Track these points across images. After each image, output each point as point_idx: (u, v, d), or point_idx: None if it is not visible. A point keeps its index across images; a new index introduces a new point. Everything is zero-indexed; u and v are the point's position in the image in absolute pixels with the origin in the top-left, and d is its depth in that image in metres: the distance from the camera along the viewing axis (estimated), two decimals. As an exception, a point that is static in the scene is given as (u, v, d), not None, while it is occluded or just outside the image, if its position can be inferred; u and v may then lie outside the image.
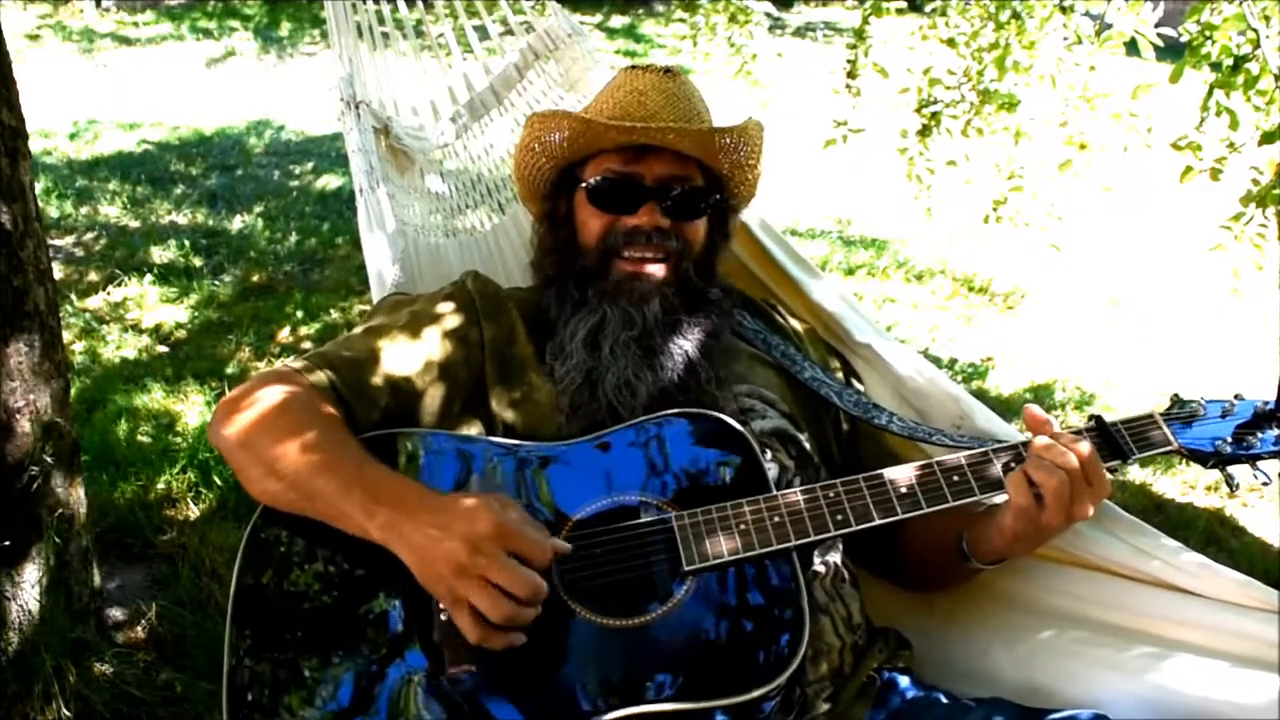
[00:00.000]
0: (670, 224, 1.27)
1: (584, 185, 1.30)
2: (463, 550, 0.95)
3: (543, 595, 0.97)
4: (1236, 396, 1.18)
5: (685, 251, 1.29)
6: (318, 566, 1.08)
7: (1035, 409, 1.16)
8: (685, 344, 1.24)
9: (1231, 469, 1.14)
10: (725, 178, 1.36)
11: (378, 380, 1.20)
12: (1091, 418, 1.18)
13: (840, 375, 1.43)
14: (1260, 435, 1.13)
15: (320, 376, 1.17)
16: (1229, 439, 1.14)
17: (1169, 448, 1.15)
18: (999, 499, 1.13)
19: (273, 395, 1.11)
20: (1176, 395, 1.20)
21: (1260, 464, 1.13)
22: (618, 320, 1.23)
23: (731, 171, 1.35)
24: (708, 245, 1.34)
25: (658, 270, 1.27)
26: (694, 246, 1.31)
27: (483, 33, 2.00)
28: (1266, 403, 1.16)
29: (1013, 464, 1.12)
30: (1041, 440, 1.10)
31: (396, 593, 1.04)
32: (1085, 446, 1.10)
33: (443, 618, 1.01)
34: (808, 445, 1.29)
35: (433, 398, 1.22)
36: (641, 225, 1.26)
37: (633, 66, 1.36)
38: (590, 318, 1.24)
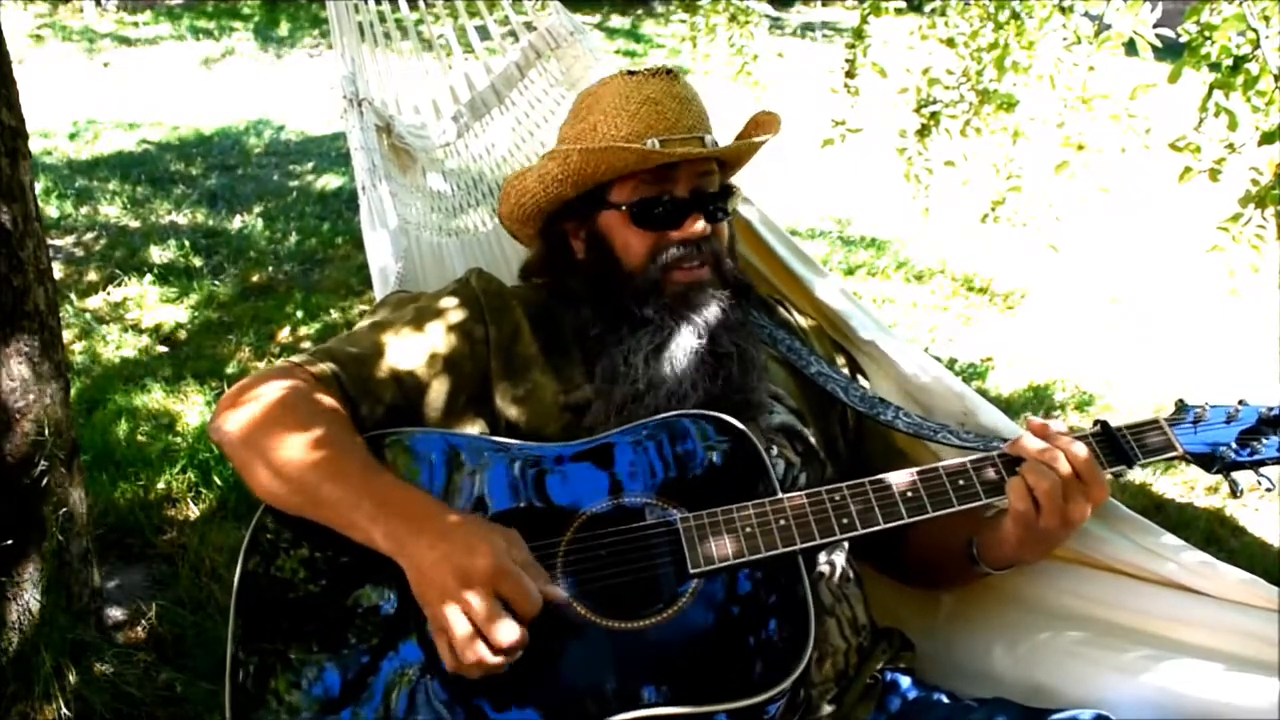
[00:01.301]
0: (712, 229, 1.29)
1: (624, 208, 1.28)
2: (453, 582, 0.95)
3: (519, 648, 0.95)
4: (1241, 402, 1.18)
5: (721, 250, 1.31)
6: (322, 558, 1.08)
7: (1035, 419, 1.16)
8: (746, 343, 1.26)
9: (1235, 474, 1.13)
10: (731, 165, 1.38)
11: (382, 375, 1.19)
12: (1097, 422, 1.17)
13: (846, 372, 1.43)
14: (1265, 441, 1.13)
15: (325, 370, 1.16)
16: (1233, 444, 1.13)
17: (1174, 453, 1.14)
18: (1005, 502, 1.13)
19: (276, 391, 1.10)
20: (1181, 400, 1.20)
21: (1264, 469, 1.13)
22: (686, 332, 1.24)
23: (738, 159, 1.38)
24: (731, 239, 1.37)
25: (705, 274, 1.28)
26: (725, 244, 1.33)
27: (484, 32, 2.00)
28: (1271, 408, 1.16)
29: (1016, 467, 1.12)
30: (1037, 442, 1.11)
31: (401, 588, 1.04)
32: (1078, 448, 1.10)
33: None
34: (814, 441, 1.29)
35: (437, 393, 1.22)
36: (690, 237, 1.26)
37: (630, 72, 1.33)
38: (659, 334, 1.24)
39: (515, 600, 0.96)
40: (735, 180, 1.42)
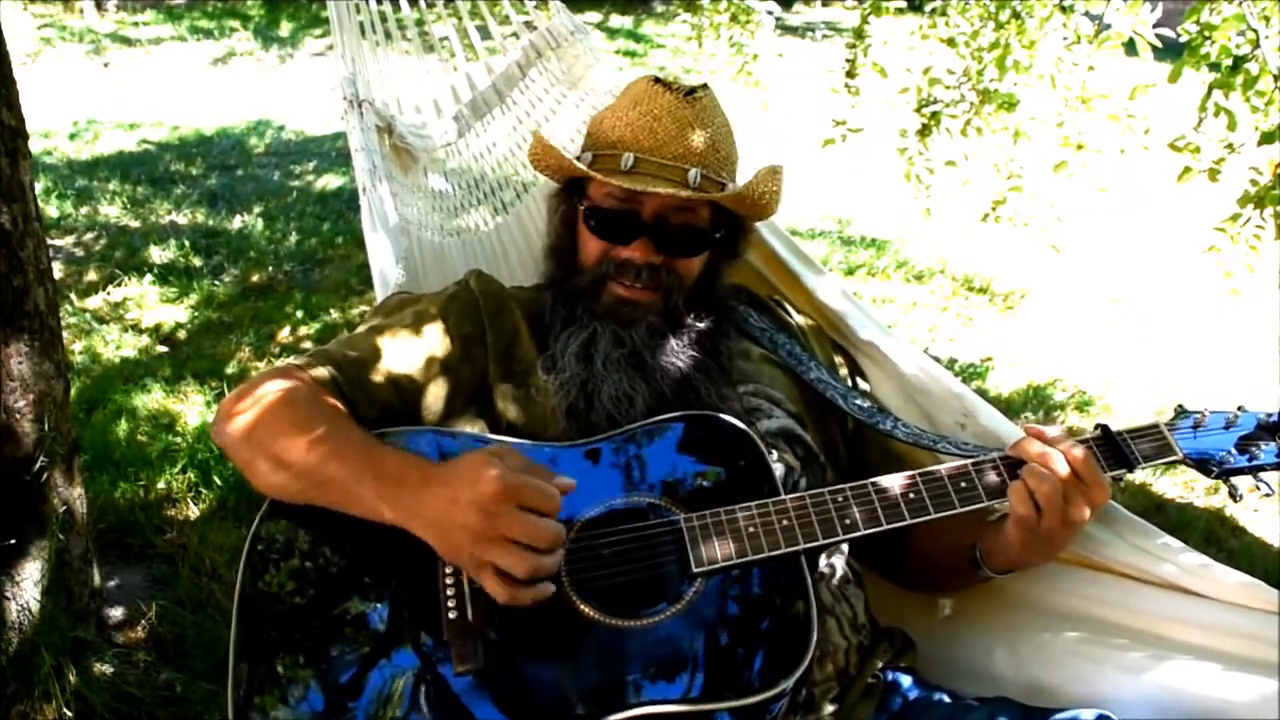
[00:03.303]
0: (663, 260, 1.25)
1: (583, 208, 1.29)
2: (475, 516, 0.96)
3: (563, 539, 0.98)
4: (1240, 408, 1.19)
5: (677, 285, 1.27)
6: (323, 562, 1.08)
7: (1034, 425, 1.16)
8: (678, 362, 1.24)
9: (1234, 480, 1.15)
10: (739, 212, 1.32)
11: (380, 378, 1.20)
12: (1098, 426, 1.18)
13: (845, 373, 1.43)
14: (1263, 447, 1.14)
15: (323, 373, 1.17)
16: (1232, 450, 1.15)
17: (1174, 457, 1.15)
18: (1006, 505, 1.13)
19: (275, 390, 1.11)
20: (1181, 406, 1.21)
21: (1262, 475, 1.14)
22: (608, 338, 1.23)
23: (739, 210, 1.31)
24: (705, 275, 1.31)
25: (645, 297, 1.26)
26: (686, 280, 1.28)
27: (484, 32, 2.00)
28: (1270, 414, 1.17)
29: (1018, 470, 1.12)
30: (1036, 445, 1.11)
31: (402, 588, 1.04)
32: (1078, 450, 1.10)
33: (451, 615, 1.02)
34: (813, 444, 1.29)
35: (435, 396, 1.22)
36: (633, 259, 1.25)
37: (657, 80, 1.28)
38: (581, 333, 1.25)
39: (537, 504, 0.97)
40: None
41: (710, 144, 1.26)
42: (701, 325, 1.28)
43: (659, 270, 1.26)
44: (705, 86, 1.30)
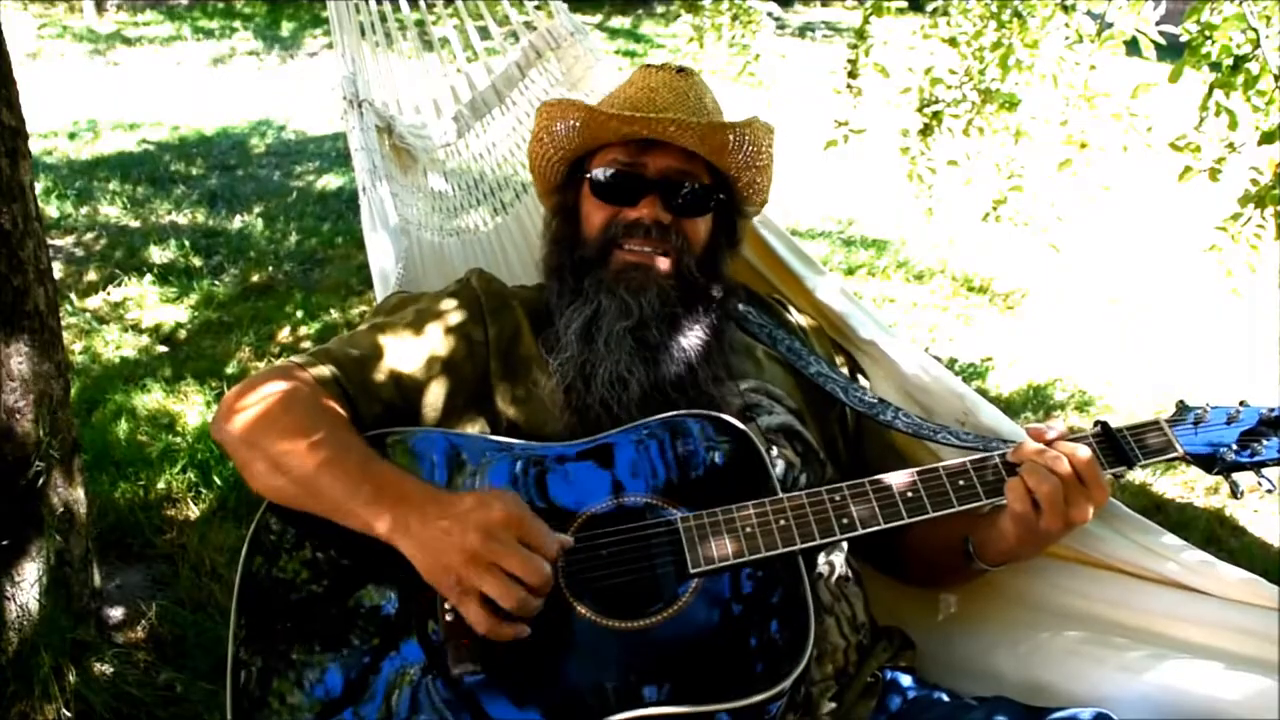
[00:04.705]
0: (672, 219, 1.27)
1: (588, 176, 1.31)
2: (477, 537, 0.96)
3: (549, 585, 0.98)
4: (1242, 403, 1.18)
5: (686, 248, 1.29)
6: (324, 559, 1.08)
7: (1036, 425, 1.16)
8: (683, 341, 1.24)
9: (1236, 476, 1.14)
10: (733, 179, 1.35)
11: (381, 376, 1.20)
12: (1097, 423, 1.18)
13: (846, 372, 1.43)
14: (1265, 442, 1.13)
15: (324, 372, 1.17)
16: (1234, 445, 1.14)
17: (1174, 454, 1.14)
18: (1004, 501, 1.13)
19: (276, 391, 1.11)
20: (1182, 401, 1.20)
21: (1265, 471, 1.13)
22: (613, 310, 1.23)
23: (739, 173, 1.34)
24: (711, 244, 1.33)
25: (659, 262, 1.27)
26: (695, 244, 1.30)
27: (484, 32, 2.00)
28: (1272, 409, 1.16)
29: (1017, 468, 1.12)
30: (1037, 446, 1.11)
31: (402, 587, 1.04)
32: (1080, 451, 1.10)
33: (448, 617, 1.01)
34: (813, 441, 1.29)
35: (436, 394, 1.22)
36: (642, 218, 1.26)
37: (648, 65, 1.37)
38: (585, 308, 1.25)
39: (537, 543, 0.98)
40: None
41: (706, 110, 1.32)
42: (712, 293, 1.30)
43: (668, 230, 1.27)
44: (692, 69, 1.34)
